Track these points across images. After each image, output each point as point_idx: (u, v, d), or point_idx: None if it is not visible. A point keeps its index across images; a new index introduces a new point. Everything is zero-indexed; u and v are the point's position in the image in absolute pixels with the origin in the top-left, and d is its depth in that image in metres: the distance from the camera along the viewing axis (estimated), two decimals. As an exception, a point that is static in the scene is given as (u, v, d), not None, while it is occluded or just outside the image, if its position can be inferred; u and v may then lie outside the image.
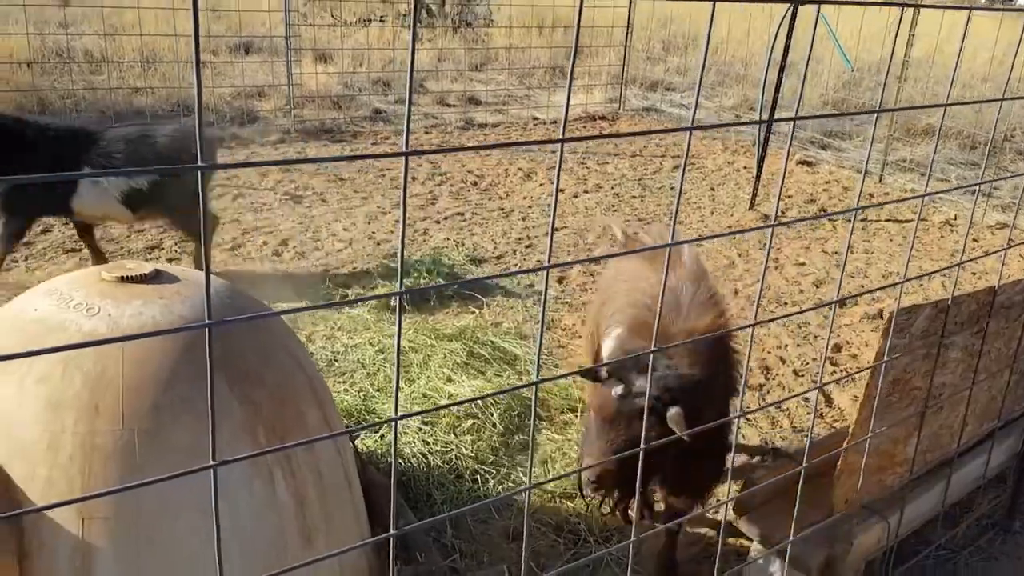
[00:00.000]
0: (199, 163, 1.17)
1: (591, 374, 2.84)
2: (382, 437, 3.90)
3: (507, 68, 13.33)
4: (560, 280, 6.11)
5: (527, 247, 6.77)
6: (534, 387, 1.62)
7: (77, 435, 2.11)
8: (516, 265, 6.36)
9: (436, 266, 5.82)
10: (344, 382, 4.46)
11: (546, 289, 1.45)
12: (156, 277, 2.46)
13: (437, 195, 7.94)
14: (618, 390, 2.67)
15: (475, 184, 8.38)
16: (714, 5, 1.55)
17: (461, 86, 12.17)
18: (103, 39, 10.66)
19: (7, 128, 4.97)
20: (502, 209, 7.67)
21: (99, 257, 5.73)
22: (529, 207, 7.76)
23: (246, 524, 2.33)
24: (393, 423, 1.52)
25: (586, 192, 8.36)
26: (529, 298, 5.71)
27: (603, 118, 11.65)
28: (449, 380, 4.40)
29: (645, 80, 13.54)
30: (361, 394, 4.31)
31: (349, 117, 10.52)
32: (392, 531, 1.71)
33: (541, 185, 8.46)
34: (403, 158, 1.35)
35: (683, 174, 1.48)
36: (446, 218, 7.33)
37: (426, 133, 10.25)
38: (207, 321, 1.28)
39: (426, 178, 8.45)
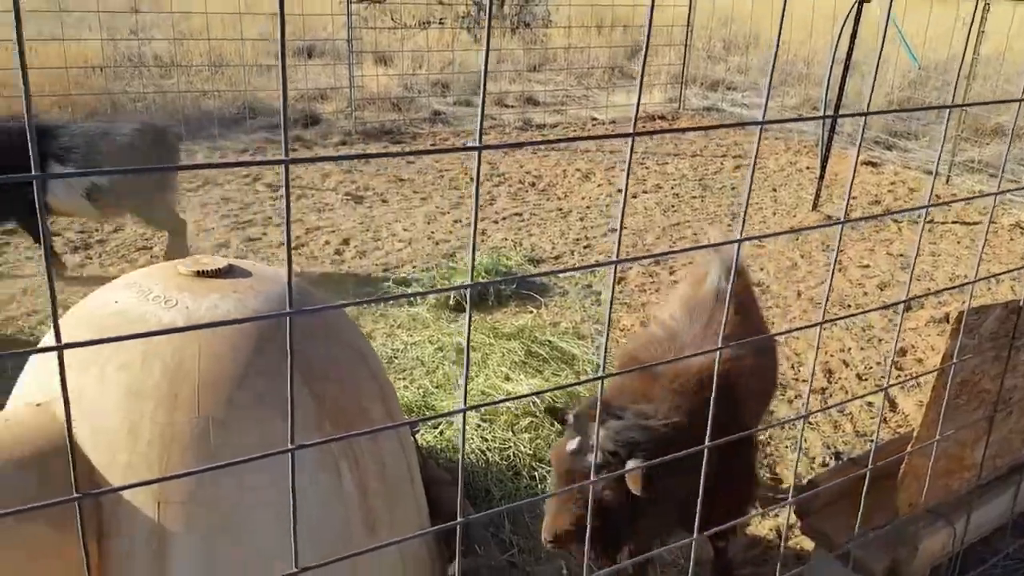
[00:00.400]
0: (284, 157, 1.22)
1: (558, 416, 2.68)
2: (441, 433, 3.96)
3: (565, 68, 13.34)
4: (619, 280, 6.11)
5: (585, 247, 6.78)
6: (600, 381, 1.65)
7: (156, 423, 2.19)
8: (575, 266, 6.37)
9: (495, 266, 5.87)
10: (404, 379, 4.53)
11: (613, 283, 1.47)
12: (230, 272, 2.54)
13: (495, 196, 8.00)
14: (572, 445, 2.48)
15: (533, 185, 8.42)
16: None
17: (519, 87, 12.22)
18: (172, 44, 10.97)
19: None
20: (560, 210, 7.69)
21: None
22: (587, 208, 7.77)
23: (313, 513, 2.40)
24: (462, 413, 1.56)
25: (645, 192, 8.33)
26: (587, 299, 5.72)
27: (663, 118, 11.59)
28: (507, 378, 4.43)
29: (705, 79, 13.42)
30: (421, 391, 4.38)
31: (409, 119, 10.65)
32: (459, 519, 1.74)
33: (599, 186, 8.45)
34: (476, 152, 1.38)
35: (753, 170, 1.49)
36: (504, 218, 7.37)
37: (484, 134, 10.30)
38: (288, 310, 1.34)
39: (484, 179, 8.51)
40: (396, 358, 4.78)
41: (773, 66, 1.64)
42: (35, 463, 2.13)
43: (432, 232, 6.96)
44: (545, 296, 5.69)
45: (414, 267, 6.21)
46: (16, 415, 2.26)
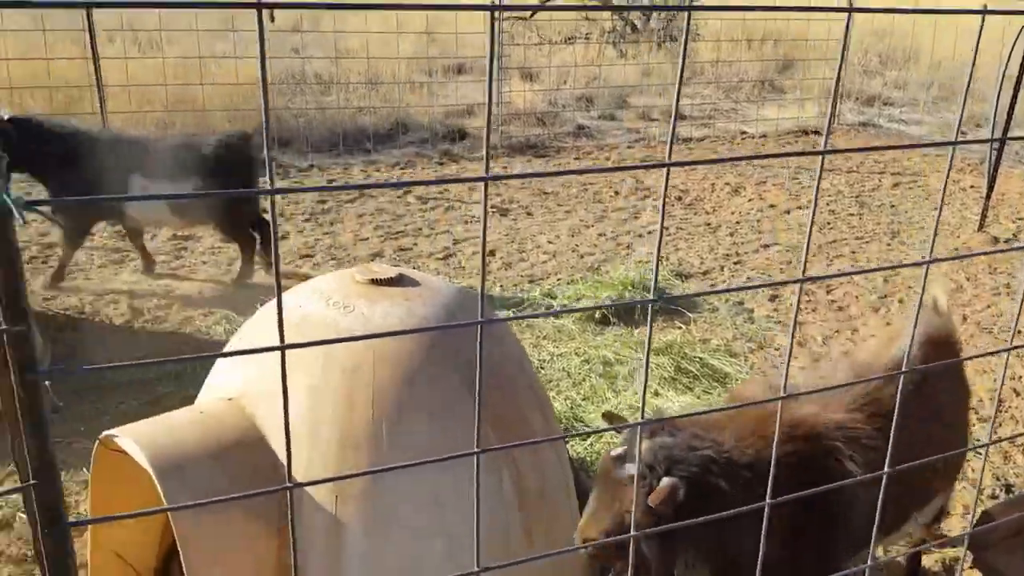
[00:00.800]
0: (485, 175, 1.29)
1: (613, 421, 2.55)
2: (591, 445, 3.98)
3: (713, 82, 13.15)
4: (773, 298, 5.95)
5: (736, 263, 6.66)
6: (779, 402, 1.63)
7: (335, 423, 2.33)
8: (724, 282, 6.26)
9: (642, 280, 5.84)
10: (551, 390, 4.58)
11: (798, 304, 1.46)
12: (400, 280, 2.67)
13: (640, 209, 7.97)
14: (616, 451, 2.35)
15: (679, 199, 8.34)
16: (983, 18, 1.51)
17: (666, 101, 12.14)
18: (332, 63, 11.52)
19: (65, 137, 5.44)
20: (708, 224, 7.58)
21: (148, 258, 6.13)
22: (737, 223, 7.63)
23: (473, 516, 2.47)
24: (639, 428, 1.58)
25: (799, 208, 8.10)
26: (738, 316, 5.61)
27: (816, 132, 11.25)
28: (656, 394, 4.41)
29: (861, 94, 12.92)
30: (568, 402, 4.41)
31: (553, 133, 10.76)
32: (632, 533, 1.76)
33: (750, 200, 8.28)
34: (664, 169, 1.41)
35: (944, 191, 1.45)
36: (650, 232, 7.34)
37: (628, 148, 10.30)
38: (479, 319, 1.40)
39: (629, 192, 8.50)
40: (543, 369, 4.85)
41: (968, 86, 1.60)
42: (227, 454, 2.30)
43: (576, 245, 7.02)
44: (694, 312, 5.63)
45: (559, 279, 6.27)
46: (210, 408, 2.45)
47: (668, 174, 1.43)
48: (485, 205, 1.29)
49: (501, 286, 6.19)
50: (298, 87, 11.67)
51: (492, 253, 6.83)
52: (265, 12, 1.00)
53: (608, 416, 2.63)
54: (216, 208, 5.81)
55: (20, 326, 0.99)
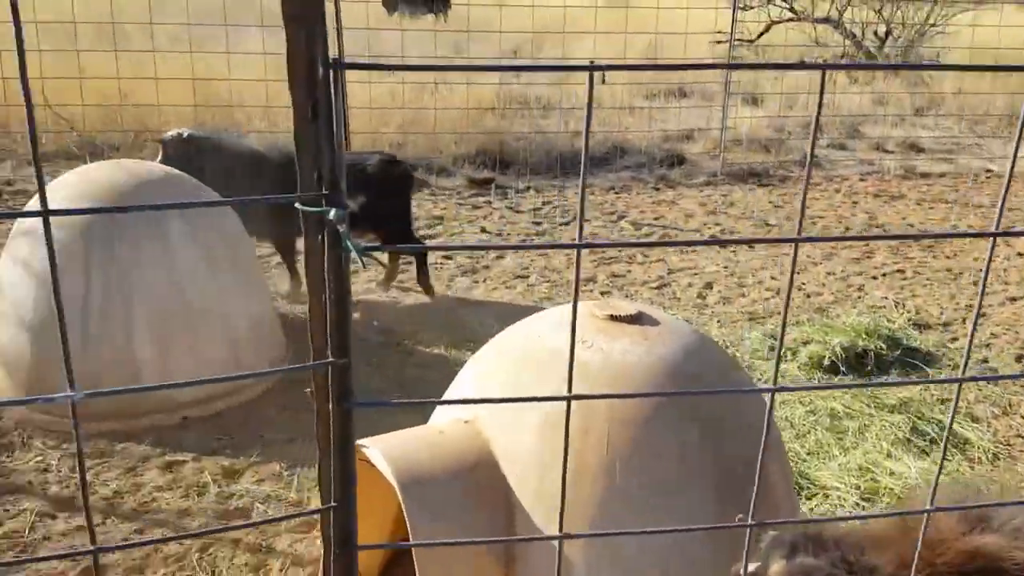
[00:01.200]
0: (797, 235, 1.23)
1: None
2: (817, 506, 3.76)
3: (956, 114, 12.21)
4: (1019, 358, 5.40)
5: (980, 315, 6.09)
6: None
7: (568, 455, 2.32)
8: (965, 336, 5.74)
9: (876, 328, 5.44)
10: (770, 436, 4.37)
11: None
12: (639, 319, 2.63)
13: (874, 248, 7.49)
14: (753, 567, 2.06)
15: (916, 239, 7.78)
16: None
17: (902, 132, 11.41)
18: (555, 88, 11.76)
19: (238, 154, 5.68)
20: (949, 270, 7.00)
21: (296, 277, 6.16)
22: (981, 270, 6.99)
23: (701, 571, 2.39)
24: (926, 515, 1.45)
25: (1052, 258, 7.33)
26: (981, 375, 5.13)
27: (1072, 174, 10.16)
28: (888, 455, 4.10)
29: None
30: (791, 455, 4.18)
31: (778, 161, 10.38)
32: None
33: (996, 246, 7.57)
34: (991, 239, 1.29)
35: None
36: (884, 274, 6.88)
37: (861, 180, 9.76)
38: (774, 386, 1.34)
39: (861, 229, 8.03)
40: (761, 413, 4.64)
41: None
42: (464, 475, 2.36)
43: (802, 283, 6.70)
44: (932, 367, 5.19)
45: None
46: (449, 429, 2.53)
47: (993, 244, 1.30)
48: (792, 273, 1.23)
49: (719, 322, 6.00)
50: (519, 112, 11.98)
51: (709, 286, 6.66)
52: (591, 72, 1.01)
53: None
54: (386, 220, 6.02)
55: (344, 359, 1.04)
